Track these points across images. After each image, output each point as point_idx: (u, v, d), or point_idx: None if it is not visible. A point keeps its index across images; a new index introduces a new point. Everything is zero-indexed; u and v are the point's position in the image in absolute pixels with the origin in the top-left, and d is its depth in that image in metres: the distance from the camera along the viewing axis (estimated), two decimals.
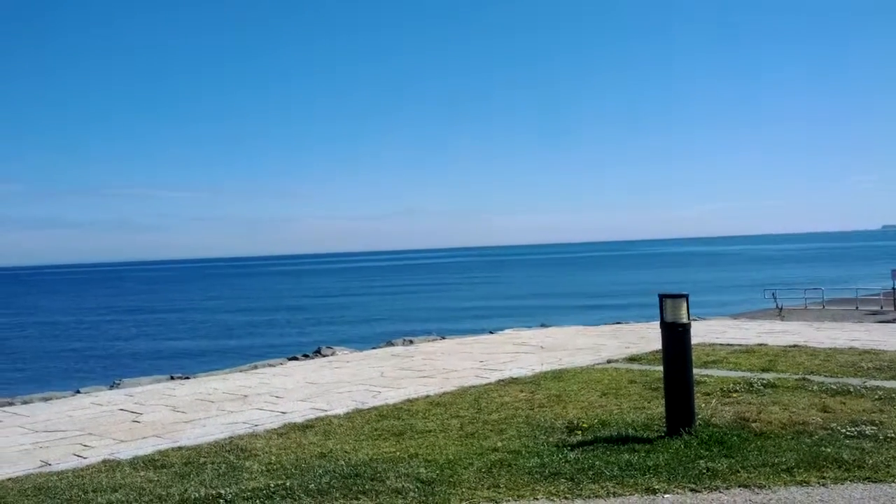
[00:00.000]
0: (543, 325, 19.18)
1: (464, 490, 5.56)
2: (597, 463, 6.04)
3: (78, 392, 11.59)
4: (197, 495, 5.65)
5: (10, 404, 10.63)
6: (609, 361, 11.86)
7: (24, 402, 10.75)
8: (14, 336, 43.97)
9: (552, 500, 5.32)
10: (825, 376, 9.70)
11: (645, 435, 6.87)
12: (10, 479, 6.53)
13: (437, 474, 5.94)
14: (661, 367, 7.26)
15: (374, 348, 15.87)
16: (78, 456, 7.35)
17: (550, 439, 6.92)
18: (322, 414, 8.75)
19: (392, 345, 16.05)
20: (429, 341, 16.37)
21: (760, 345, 13.16)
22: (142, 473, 6.44)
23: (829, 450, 6.16)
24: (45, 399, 10.98)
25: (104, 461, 6.98)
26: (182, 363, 27.03)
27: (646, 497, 5.32)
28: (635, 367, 11.17)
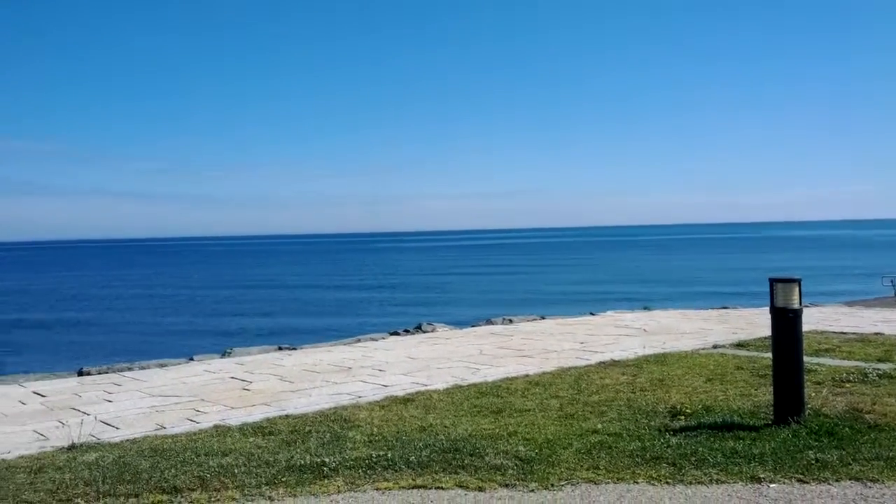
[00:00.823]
0: (647, 309, 18.83)
1: (563, 470, 5.55)
2: (700, 449, 5.93)
3: (191, 360, 12.09)
4: (302, 462, 5.84)
5: (129, 370, 11.20)
6: (715, 347, 11.58)
7: (142, 368, 11.29)
8: (141, 306, 46.17)
9: (653, 484, 5.26)
10: None
11: (751, 423, 6.69)
12: (129, 440, 6.90)
13: (536, 453, 5.95)
14: (769, 354, 7.05)
15: (473, 326, 15.93)
16: (191, 420, 7.69)
17: (652, 423, 6.83)
18: (422, 388, 8.88)
19: (492, 323, 16.08)
20: (529, 321, 16.33)
21: (877, 334, 12.58)
22: (251, 439, 6.69)
23: None
24: (161, 365, 11.51)
25: (215, 426, 7.29)
26: (289, 334, 27.79)
27: (750, 486, 5.19)
28: (742, 353, 10.87)
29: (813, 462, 5.57)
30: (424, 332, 14.98)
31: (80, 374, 10.98)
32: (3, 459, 6.32)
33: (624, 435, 6.44)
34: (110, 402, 8.82)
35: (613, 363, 10.26)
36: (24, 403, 8.85)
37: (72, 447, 6.57)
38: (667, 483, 5.27)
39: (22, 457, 6.39)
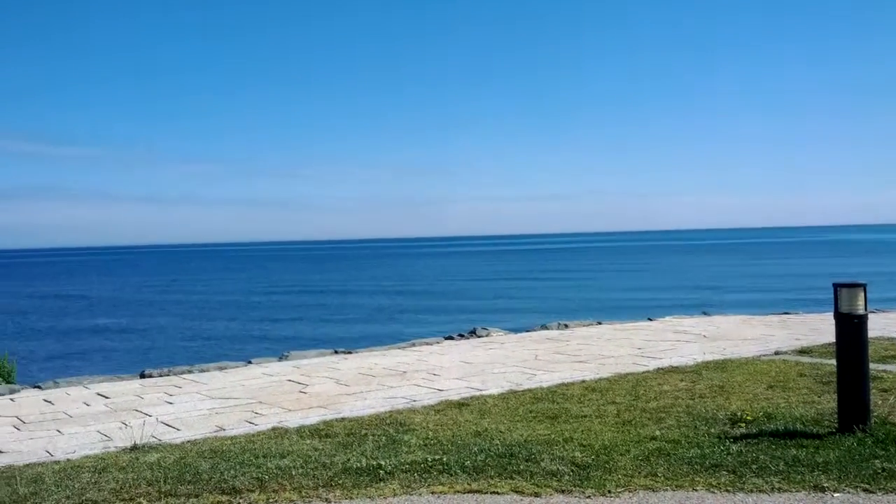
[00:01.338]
0: (706, 314, 18.51)
1: (620, 476, 5.49)
2: (761, 457, 5.81)
3: (250, 363, 12.27)
4: (359, 465, 5.88)
5: (190, 372, 11.40)
6: (777, 353, 11.34)
7: (202, 371, 11.49)
8: (199, 311, 47.06)
9: (713, 492, 5.17)
10: None
11: (814, 430, 6.53)
12: (189, 441, 7.03)
13: (593, 459, 5.90)
14: (833, 361, 6.88)
15: (528, 331, 15.86)
16: (249, 422, 7.80)
17: (712, 430, 6.72)
18: (477, 393, 8.87)
19: (547, 328, 15.99)
20: (585, 326, 16.19)
21: None
22: (308, 441, 6.76)
23: None
24: (221, 368, 11.70)
25: (273, 428, 7.38)
26: (344, 338, 28.02)
27: (814, 495, 5.06)
28: (805, 359, 10.62)
29: (879, 471, 5.41)
30: (479, 336, 14.96)
31: (142, 376, 11.23)
32: (68, 459, 6.49)
33: (683, 442, 6.34)
34: (171, 403, 8.99)
35: (672, 369, 10.11)
36: (88, 405, 9.09)
37: (134, 448, 6.72)
38: (727, 491, 5.18)
39: (87, 457, 6.55)
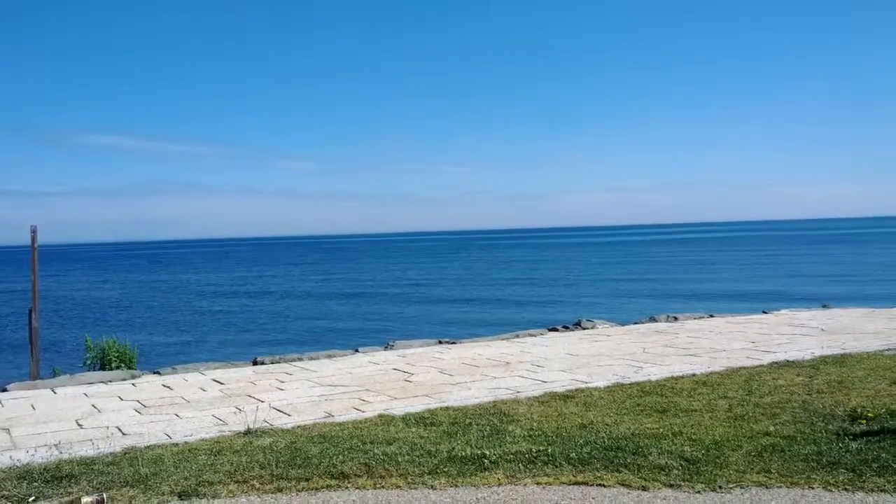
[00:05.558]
0: (825, 307, 17.74)
1: (731, 472, 5.34)
2: (883, 455, 5.54)
3: (357, 351, 12.51)
4: (463, 454, 5.91)
5: (300, 360, 11.71)
6: None
7: (311, 359, 11.78)
8: (301, 301, 48.27)
9: (830, 490, 4.96)
10: None
11: None
12: (300, 426, 7.21)
13: (703, 454, 5.75)
14: None
15: (635, 323, 15.57)
16: (357, 409, 7.94)
17: (829, 427, 6.44)
18: (582, 385, 8.78)
19: (655, 321, 15.66)
20: (695, 319, 15.78)
21: None
22: (413, 429, 6.84)
23: None
24: (330, 357, 11.96)
25: (380, 415, 7.50)
26: (448, 328, 28.17)
27: None
28: None
29: None
30: (584, 328, 14.79)
31: (255, 363, 11.59)
32: (186, 442, 6.77)
33: (798, 438, 6.11)
34: (282, 390, 9.25)
35: (787, 364, 9.75)
36: (204, 390, 9.45)
37: (247, 432, 6.95)
38: (845, 490, 4.96)
39: (203, 440, 6.82)
